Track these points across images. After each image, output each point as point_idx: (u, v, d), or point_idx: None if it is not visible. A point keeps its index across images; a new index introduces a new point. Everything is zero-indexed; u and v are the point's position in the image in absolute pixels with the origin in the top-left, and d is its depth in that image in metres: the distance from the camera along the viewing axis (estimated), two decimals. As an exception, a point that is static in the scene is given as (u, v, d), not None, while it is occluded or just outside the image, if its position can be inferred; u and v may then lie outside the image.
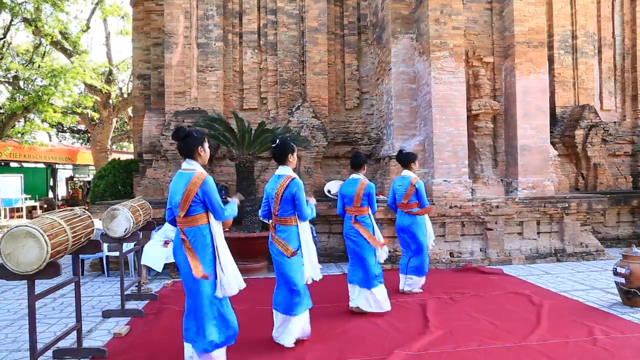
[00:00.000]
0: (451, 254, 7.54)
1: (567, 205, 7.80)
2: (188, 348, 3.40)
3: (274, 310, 4.16)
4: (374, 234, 5.00)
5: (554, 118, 9.75)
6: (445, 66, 7.85)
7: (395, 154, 8.27)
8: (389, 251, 5.48)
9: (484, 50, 8.39)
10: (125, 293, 5.25)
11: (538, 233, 7.92)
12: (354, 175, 5.09)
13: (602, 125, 9.56)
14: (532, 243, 7.86)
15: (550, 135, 8.69)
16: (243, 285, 3.40)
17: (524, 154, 8.00)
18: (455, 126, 7.84)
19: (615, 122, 10.32)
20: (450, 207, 7.48)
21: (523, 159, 7.99)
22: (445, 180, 7.76)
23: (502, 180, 8.27)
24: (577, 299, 5.35)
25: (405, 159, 5.86)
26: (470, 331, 4.30)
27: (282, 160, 4.15)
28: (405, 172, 5.81)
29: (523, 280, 6.34)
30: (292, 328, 3.97)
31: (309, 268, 4.06)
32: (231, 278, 3.30)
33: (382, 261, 5.07)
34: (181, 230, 3.31)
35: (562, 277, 6.52)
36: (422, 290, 5.75)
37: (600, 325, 4.36)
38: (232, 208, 3.48)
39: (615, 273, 5.08)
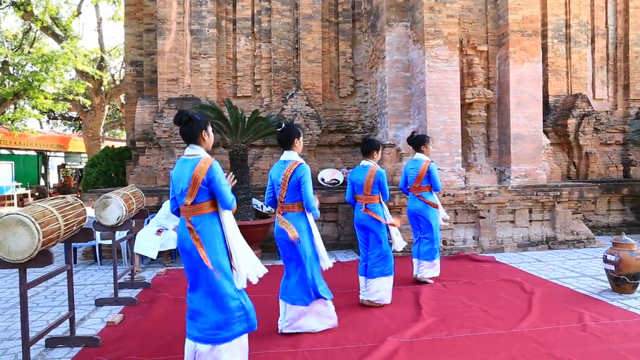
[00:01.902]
0: (444, 242, 7.58)
1: (558, 193, 7.85)
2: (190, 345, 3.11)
3: (280, 300, 4.07)
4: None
5: (546, 107, 9.78)
6: (440, 54, 7.83)
7: (389, 142, 8.32)
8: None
9: (478, 38, 8.37)
10: (119, 281, 5.25)
11: (530, 221, 7.98)
12: (364, 162, 4.91)
13: (594, 114, 9.60)
14: (524, 231, 7.92)
15: (543, 124, 8.72)
16: (261, 273, 3.19)
17: (517, 142, 8.03)
18: (449, 115, 7.84)
19: (607, 111, 10.37)
20: (444, 196, 7.51)
21: (516, 147, 8.02)
22: (439, 169, 7.75)
23: (495, 168, 8.31)
24: (567, 286, 5.41)
25: (417, 142, 5.74)
26: (463, 318, 4.34)
27: (288, 145, 4.02)
28: (418, 155, 5.69)
29: (515, 268, 6.40)
30: (329, 309, 4.03)
31: (323, 255, 4.00)
32: (243, 268, 3.10)
33: (400, 249, 4.95)
34: (187, 220, 3.10)
35: (553, 265, 6.59)
36: (433, 282, 5.63)
37: (590, 311, 4.42)
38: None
39: (605, 260, 5.14)
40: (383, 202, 4.94)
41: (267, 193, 4.18)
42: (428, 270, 5.65)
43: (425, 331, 4.01)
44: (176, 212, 3.29)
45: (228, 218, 3.16)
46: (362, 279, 4.92)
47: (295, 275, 4.01)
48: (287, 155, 4.03)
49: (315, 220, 8.10)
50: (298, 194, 3.93)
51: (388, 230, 4.89)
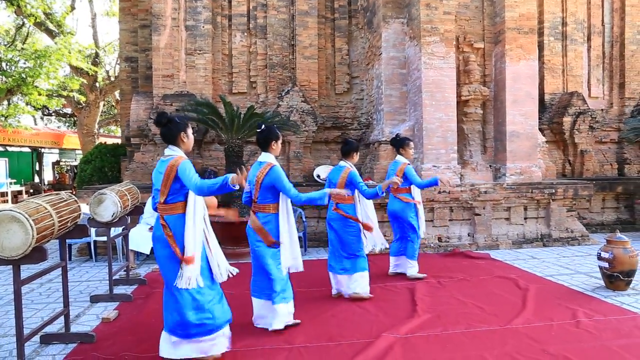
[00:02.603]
0: (439, 239, 7.60)
1: (553, 191, 7.88)
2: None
3: (252, 297, 4.15)
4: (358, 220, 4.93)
5: (542, 105, 9.80)
6: (436, 51, 7.83)
7: (385, 139, 8.32)
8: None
9: (475, 35, 8.37)
10: (114, 278, 5.23)
11: (525, 218, 8.00)
12: (341, 162, 5.01)
13: (589, 113, 9.63)
14: (519, 228, 7.94)
15: (539, 122, 8.74)
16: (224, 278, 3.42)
17: (513, 140, 8.05)
18: (445, 112, 7.84)
19: (602, 110, 10.41)
20: (439, 193, 7.52)
21: (511, 145, 8.05)
22: (435, 166, 7.78)
23: (490, 166, 8.33)
24: (562, 283, 5.44)
25: (397, 144, 5.83)
26: (458, 315, 4.36)
27: (265, 147, 4.09)
28: (398, 157, 5.78)
29: (510, 265, 6.42)
30: (280, 314, 3.97)
31: (288, 258, 4.01)
32: (222, 264, 3.36)
33: (377, 251, 5.01)
34: (161, 217, 3.30)
35: (547, 262, 6.62)
36: (422, 275, 5.71)
37: (584, 308, 4.45)
38: (212, 182, 3.20)
39: (599, 258, 5.16)
40: (366, 201, 4.96)
41: (245, 192, 4.23)
42: (414, 268, 5.75)
43: (420, 327, 4.02)
44: (156, 209, 3.43)
45: (196, 216, 3.29)
46: (331, 275, 5.04)
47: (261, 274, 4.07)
48: (263, 156, 4.09)
49: (310, 217, 8.14)
50: (269, 196, 3.98)
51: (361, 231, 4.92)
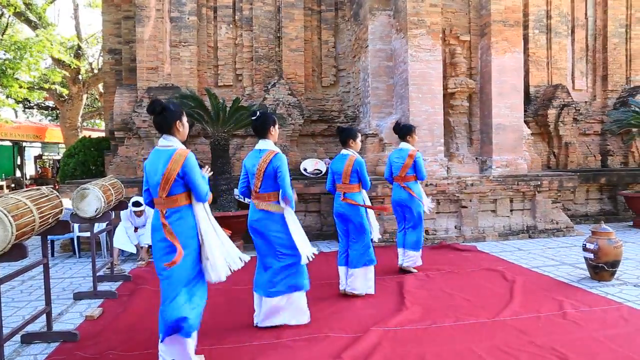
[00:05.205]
0: (426, 232, 7.61)
1: (539, 183, 7.94)
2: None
3: (255, 293, 4.00)
4: (366, 213, 4.85)
5: (527, 97, 9.85)
6: (423, 44, 7.80)
7: (372, 132, 8.30)
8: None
9: (461, 28, 8.37)
10: (98, 274, 5.15)
11: (511, 210, 8.06)
12: (344, 151, 4.88)
13: (573, 105, 9.71)
14: (505, 220, 8.00)
15: (524, 114, 8.77)
16: (236, 266, 3.19)
17: (499, 132, 8.08)
18: (431, 104, 7.84)
19: (586, 102, 10.50)
20: (426, 185, 7.52)
21: (497, 137, 8.08)
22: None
23: (477, 158, 8.36)
24: (548, 275, 5.48)
25: (403, 131, 5.73)
26: (446, 307, 4.36)
27: (263, 133, 3.93)
28: (403, 145, 5.68)
29: (496, 257, 6.46)
30: (302, 302, 3.94)
31: (305, 246, 3.87)
32: (219, 263, 3.08)
33: (376, 240, 4.91)
34: (161, 213, 3.06)
35: (533, 253, 6.67)
36: (417, 271, 5.65)
37: (570, 299, 4.48)
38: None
39: (585, 249, 5.21)
40: (364, 191, 4.90)
41: (241, 182, 4.09)
42: (415, 259, 5.68)
43: (409, 321, 4.01)
44: (150, 203, 3.25)
45: (202, 211, 3.13)
46: (342, 269, 4.89)
47: (270, 268, 3.92)
48: (262, 144, 3.93)
49: (298, 211, 8.09)
50: (274, 184, 3.84)
51: (368, 217, 4.85)
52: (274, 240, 3.87)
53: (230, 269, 3.16)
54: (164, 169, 3.00)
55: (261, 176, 3.82)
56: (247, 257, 3.27)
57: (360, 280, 4.75)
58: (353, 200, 4.73)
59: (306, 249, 3.87)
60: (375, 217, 5.17)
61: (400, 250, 5.78)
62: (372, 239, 4.89)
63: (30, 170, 23.84)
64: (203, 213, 3.13)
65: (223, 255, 3.13)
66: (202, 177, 3.12)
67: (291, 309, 3.95)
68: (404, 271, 5.66)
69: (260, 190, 3.86)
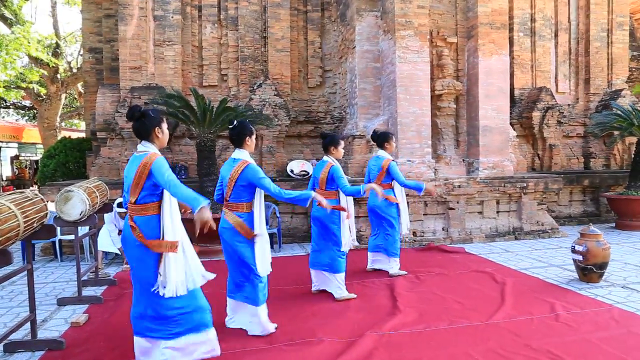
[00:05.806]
0: (414, 233, 7.61)
1: (525, 185, 8.01)
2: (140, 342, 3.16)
3: (228, 298, 4.00)
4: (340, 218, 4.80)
5: (512, 99, 9.94)
6: (410, 45, 7.80)
7: (359, 133, 8.26)
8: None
9: (448, 30, 8.39)
10: (82, 279, 4.99)
11: (497, 212, 8.11)
12: (324, 157, 4.90)
13: (557, 108, 9.84)
14: (492, 222, 8.05)
15: (509, 116, 8.85)
16: (195, 284, 3.12)
17: (485, 134, 8.13)
18: (419, 106, 7.85)
19: (569, 105, 10.65)
20: (414, 187, 7.51)
21: (484, 139, 8.12)
22: (409, 160, 7.78)
23: (463, 160, 8.39)
24: (537, 276, 5.51)
25: (380, 139, 5.73)
26: (439, 310, 4.34)
27: (239, 143, 3.88)
28: (380, 152, 5.68)
29: (485, 259, 6.48)
30: (262, 316, 3.83)
31: (265, 257, 3.84)
32: (174, 280, 3.01)
33: (346, 250, 4.86)
34: (130, 217, 3.06)
35: (521, 255, 6.71)
36: (403, 272, 5.63)
37: (561, 301, 4.50)
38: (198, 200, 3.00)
39: (573, 251, 5.25)
40: (343, 197, 4.84)
41: (217, 190, 4.09)
42: (395, 265, 5.69)
43: (403, 325, 3.97)
44: (127, 207, 3.22)
45: (169, 223, 3.05)
46: (313, 272, 4.94)
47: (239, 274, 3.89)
48: (237, 153, 3.88)
49: (284, 213, 8.01)
50: (243, 195, 3.78)
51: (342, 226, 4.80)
52: (237, 249, 3.81)
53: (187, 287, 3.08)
54: (134, 173, 3.01)
55: (231, 186, 3.78)
56: (211, 276, 3.21)
57: (329, 283, 4.81)
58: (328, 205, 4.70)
59: (263, 268, 3.79)
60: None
61: (370, 254, 5.85)
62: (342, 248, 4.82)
63: (6, 171, 23.21)
64: (170, 225, 3.05)
65: (184, 271, 3.07)
66: (174, 176, 3.02)
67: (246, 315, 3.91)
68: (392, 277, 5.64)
69: (230, 200, 3.83)
